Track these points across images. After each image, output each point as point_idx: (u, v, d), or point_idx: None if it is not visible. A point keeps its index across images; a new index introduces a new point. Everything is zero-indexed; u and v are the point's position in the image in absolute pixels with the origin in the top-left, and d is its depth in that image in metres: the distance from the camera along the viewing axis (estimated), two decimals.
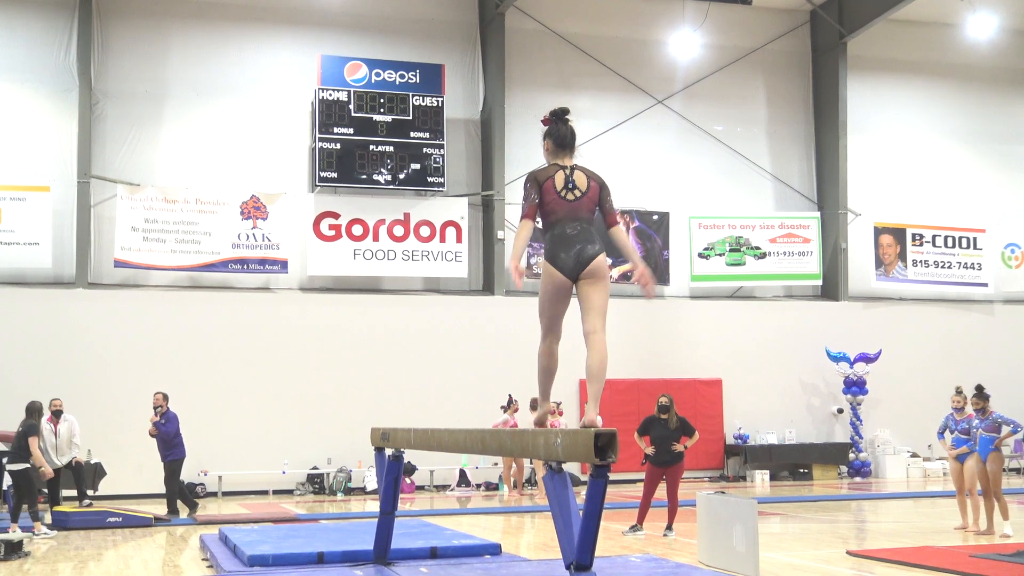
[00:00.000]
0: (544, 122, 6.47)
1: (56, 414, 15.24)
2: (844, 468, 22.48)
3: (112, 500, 17.18)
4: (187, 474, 17.80)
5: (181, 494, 15.85)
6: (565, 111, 6.45)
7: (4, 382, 18.11)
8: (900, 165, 24.33)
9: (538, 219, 6.28)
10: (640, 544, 11.83)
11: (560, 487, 5.75)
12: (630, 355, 21.69)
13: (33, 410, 13.71)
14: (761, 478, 21.40)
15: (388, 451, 9.34)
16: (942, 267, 24.10)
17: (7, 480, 14.02)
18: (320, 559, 9.77)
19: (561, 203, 6.20)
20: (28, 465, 13.41)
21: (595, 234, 6.21)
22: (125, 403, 18.47)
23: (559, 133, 6.38)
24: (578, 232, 6.15)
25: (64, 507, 14.81)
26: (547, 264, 6.16)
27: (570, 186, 6.22)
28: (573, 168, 6.31)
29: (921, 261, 23.94)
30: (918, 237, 23.99)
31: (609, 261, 6.32)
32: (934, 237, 24.14)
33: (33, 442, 13.38)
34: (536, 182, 6.22)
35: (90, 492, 16.84)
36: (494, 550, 10.48)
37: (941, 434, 13.49)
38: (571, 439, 5.49)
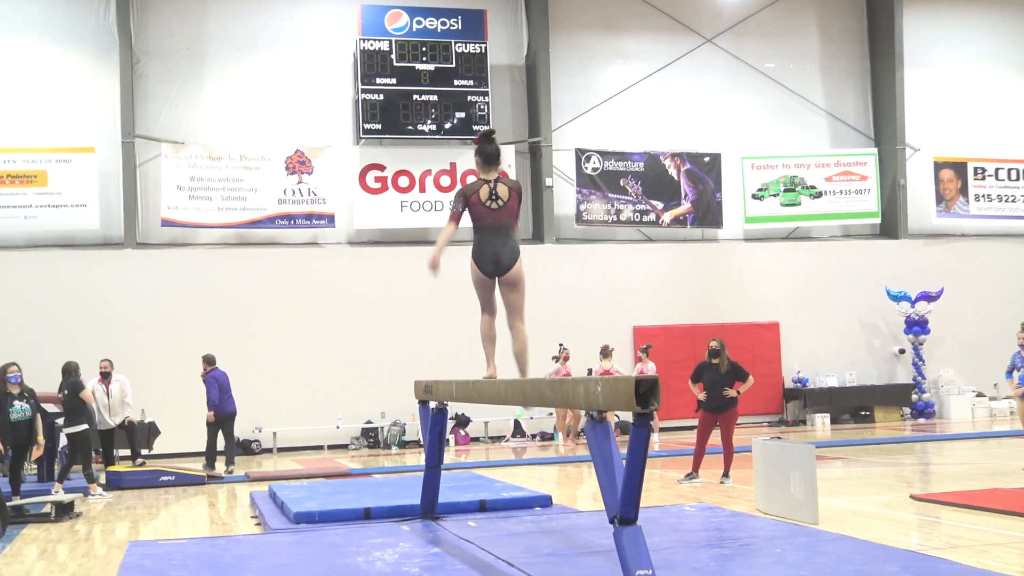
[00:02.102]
0: (475, 142, 7.62)
1: (106, 375, 15.19)
2: (907, 410, 22.04)
3: (166, 459, 17.26)
4: (242, 431, 17.82)
5: (213, 450, 15.82)
6: (491, 132, 7.60)
7: (57, 344, 18.09)
8: (959, 97, 23.55)
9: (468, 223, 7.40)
10: (696, 492, 11.58)
11: (602, 437, 5.49)
12: (684, 301, 21.40)
13: (70, 369, 13.68)
14: (822, 422, 21.03)
15: (432, 404, 9.13)
16: (1006, 201, 23.37)
17: (62, 441, 14.11)
18: (367, 515, 9.65)
19: (486, 212, 7.32)
20: (86, 427, 13.46)
21: (513, 240, 7.36)
22: (176, 362, 18.49)
23: (486, 151, 7.47)
24: (499, 239, 7.28)
25: (118, 467, 14.86)
26: (472, 262, 7.32)
27: (494, 197, 7.32)
28: (497, 181, 7.38)
29: (984, 195, 23.23)
30: (980, 171, 23.26)
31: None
32: (997, 170, 23.39)
33: (85, 394, 13.58)
34: (464, 196, 7.37)
35: (144, 451, 16.92)
36: (544, 502, 10.31)
37: (1009, 373, 13.06)
38: (611, 387, 5.21)
